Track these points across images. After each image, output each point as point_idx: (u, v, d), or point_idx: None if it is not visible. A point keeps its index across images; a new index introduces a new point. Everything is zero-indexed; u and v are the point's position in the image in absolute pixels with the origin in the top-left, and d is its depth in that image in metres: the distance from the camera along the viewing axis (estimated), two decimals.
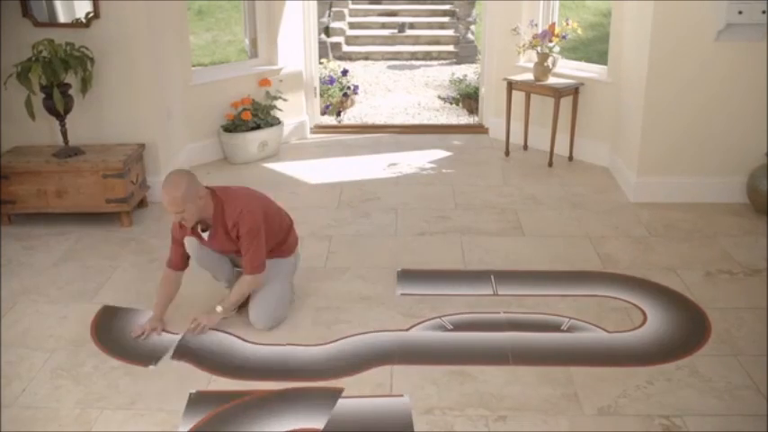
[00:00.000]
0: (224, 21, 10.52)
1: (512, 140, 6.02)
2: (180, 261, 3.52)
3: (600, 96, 5.56)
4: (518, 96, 5.89)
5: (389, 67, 10.51)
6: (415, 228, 4.62)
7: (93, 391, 3.07)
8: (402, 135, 6.64)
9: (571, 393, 3.03)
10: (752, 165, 4.79)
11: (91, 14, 4.68)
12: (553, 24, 5.65)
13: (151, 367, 3.23)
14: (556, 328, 3.50)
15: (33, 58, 4.39)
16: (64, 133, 4.62)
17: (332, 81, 7.60)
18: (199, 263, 3.52)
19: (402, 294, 3.82)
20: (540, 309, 3.66)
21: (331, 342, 3.41)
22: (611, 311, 3.63)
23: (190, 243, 3.45)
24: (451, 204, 4.98)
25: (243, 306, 3.59)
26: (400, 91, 8.92)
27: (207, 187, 3.41)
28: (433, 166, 5.78)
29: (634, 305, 3.69)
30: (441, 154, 6.08)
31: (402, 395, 3.02)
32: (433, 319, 3.59)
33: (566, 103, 5.61)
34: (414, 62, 10.83)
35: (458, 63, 10.65)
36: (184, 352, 3.33)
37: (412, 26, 11.59)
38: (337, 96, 7.61)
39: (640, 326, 3.51)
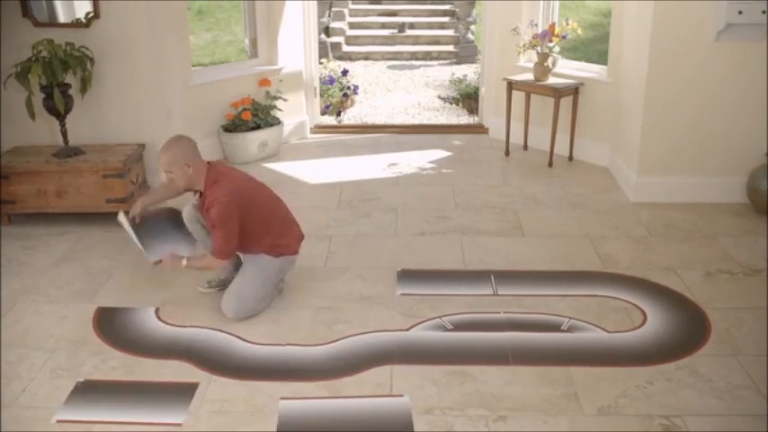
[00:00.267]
0: (224, 21, 10.52)
1: (512, 140, 6.02)
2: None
3: (600, 96, 5.56)
4: (518, 96, 5.89)
5: (389, 67, 10.51)
6: (415, 228, 4.62)
7: None
8: (402, 135, 6.64)
9: (571, 393, 3.03)
10: (752, 165, 4.79)
11: (91, 14, 4.68)
12: (553, 24, 5.65)
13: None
14: (556, 328, 3.50)
15: (33, 59, 4.39)
16: (64, 133, 4.62)
17: (332, 81, 7.60)
18: (186, 221, 3.71)
19: (402, 294, 3.82)
20: (540, 309, 3.66)
21: (331, 342, 3.41)
22: (611, 311, 3.63)
23: (186, 212, 3.70)
24: (451, 204, 4.98)
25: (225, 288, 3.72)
26: (400, 91, 8.92)
27: (208, 162, 3.56)
28: (433, 166, 5.78)
29: (634, 305, 3.69)
30: (441, 154, 6.08)
31: (402, 395, 3.02)
32: (433, 319, 3.59)
33: (566, 103, 5.61)
34: (414, 62, 10.83)
35: (458, 63, 10.65)
36: (183, 350, 3.34)
37: (412, 26, 11.59)
38: (337, 96, 7.61)
39: (640, 326, 3.51)
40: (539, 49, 5.57)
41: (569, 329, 3.49)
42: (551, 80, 5.62)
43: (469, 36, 11.13)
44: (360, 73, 9.75)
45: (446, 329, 3.51)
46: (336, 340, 3.42)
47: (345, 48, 10.99)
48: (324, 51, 9.47)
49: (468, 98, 7.69)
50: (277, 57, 6.11)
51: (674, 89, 4.75)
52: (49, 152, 4.68)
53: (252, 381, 3.14)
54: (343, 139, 6.47)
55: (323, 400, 3.02)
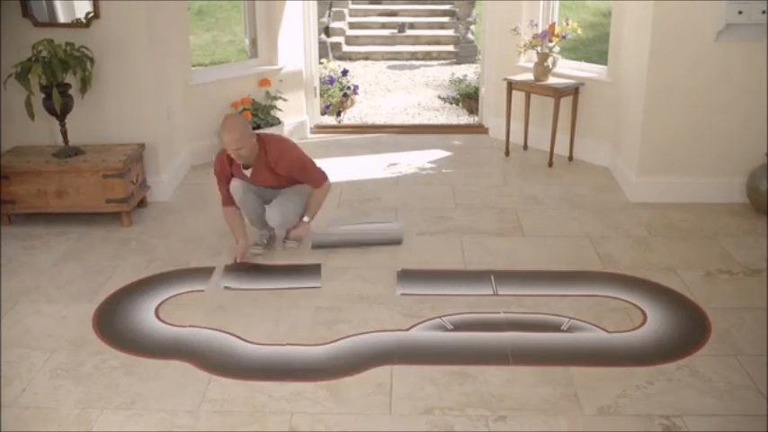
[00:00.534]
0: (224, 21, 10.51)
1: (512, 140, 6.02)
2: (231, 198, 4.09)
3: (600, 96, 5.56)
4: (518, 96, 5.89)
5: (389, 67, 10.51)
6: (415, 228, 4.62)
7: (92, 391, 3.08)
8: (402, 135, 6.64)
9: (571, 393, 3.03)
10: (752, 165, 4.79)
11: (91, 14, 4.68)
12: (553, 24, 5.65)
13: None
14: (556, 328, 3.50)
15: (33, 59, 4.39)
16: (64, 133, 4.62)
17: (332, 81, 7.60)
18: (240, 201, 4.08)
19: (402, 294, 3.82)
20: (540, 309, 3.66)
21: (331, 342, 3.41)
22: (611, 311, 3.63)
23: (235, 186, 4.05)
24: (451, 204, 4.98)
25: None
26: (400, 91, 8.92)
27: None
28: (432, 166, 5.78)
29: (634, 305, 3.69)
30: (441, 154, 6.08)
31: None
32: (433, 319, 3.59)
33: (566, 103, 5.61)
34: (414, 62, 10.83)
35: (458, 63, 10.65)
36: (183, 350, 3.34)
37: (412, 26, 11.59)
38: (337, 96, 7.61)
39: (640, 326, 3.51)
40: (539, 49, 5.57)
41: (569, 329, 3.49)
42: (551, 80, 5.62)
43: (469, 36, 11.13)
44: (360, 73, 9.75)
45: (446, 329, 3.51)
46: (336, 340, 3.42)
47: (345, 48, 11.00)
48: (324, 51, 9.47)
49: (468, 98, 7.69)
50: (277, 57, 6.12)
51: (673, 89, 4.75)
52: (49, 152, 4.68)
53: (252, 381, 3.14)
54: (343, 139, 6.47)
55: None
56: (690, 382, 3.09)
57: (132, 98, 4.85)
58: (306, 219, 4.19)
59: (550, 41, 5.52)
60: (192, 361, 3.27)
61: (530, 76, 5.73)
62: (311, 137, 6.53)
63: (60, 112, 4.51)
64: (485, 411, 2.94)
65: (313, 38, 6.43)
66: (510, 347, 3.35)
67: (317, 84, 6.63)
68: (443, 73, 9.92)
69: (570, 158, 5.78)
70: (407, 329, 3.51)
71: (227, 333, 3.48)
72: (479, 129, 6.69)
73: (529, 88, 5.73)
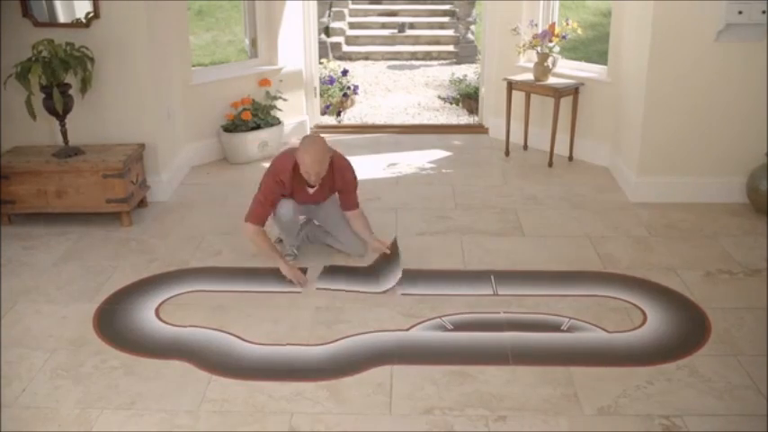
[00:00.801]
0: (224, 21, 10.51)
1: (512, 140, 6.02)
2: (266, 218, 3.99)
3: (600, 96, 5.56)
4: (518, 96, 5.89)
5: (389, 67, 10.50)
6: (415, 228, 4.62)
7: (92, 391, 3.08)
8: (402, 135, 6.64)
9: (571, 393, 3.03)
10: (752, 165, 4.79)
11: (91, 14, 4.68)
12: (553, 24, 5.65)
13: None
14: (556, 328, 3.50)
15: (33, 58, 4.39)
16: (64, 133, 4.62)
17: (332, 81, 7.60)
18: (288, 222, 4.05)
19: (402, 294, 3.82)
20: (540, 309, 3.66)
21: (331, 342, 3.41)
22: (610, 311, 3.63)
23: (286, 209, 3.99)
24: (451, 204, 4.98)
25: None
26: (400, 91, 8.92)
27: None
28: (432, 166, 5.78)
29: (634, 305, 3.69)
30: (441, 154, 6.08)
31: None
32: (433, 319, 3.59)
33: (566, 103, 5.61)
34: (414, 62, 10.83)
35: (458, 63, 10.65)
36: (183, 350, 3.34)
37: (412, 26, 11.59)
38: (337, 96, 7.61)
39: (640, 326, 3.51)
40: (539, 49, 5.57)
41: (569, 329, 3.49)
42: (551, 80, 5.62)
43: (469, 36, 11.13)
44: (360, 73, 9.75)
45: (446, 329, 3.51)
46: (336, 340, 3.42)
47: (345, 48, 11.00)
48: (324, 51, 9.47)
49: (468, 98, 7.69)
50: (277, 57, 6.11)
51: (673, 89, 4.75)
52: (49, 152, 4.68)
53: (252, 381, 3.14)
54: (342, 139, 6.47)
55: None
56: (690, 382, 3.09)
57: (132, 98, 4.85)
58: (371, 239, 4.13)
59: (550, 41, 5.52)
60: (192, 361, 3.27)
61: (530, 76, 5.73)
62: None
63: (61, 112, 4.50)
64: (485, 411, 2.94)
65: (313, 38, 6.43)
66: (510, 347, 3.35)
67: (317, 84, 6.63)
68: (443, 73, 9.92)
69: (570, 158, 5.78)
70: (407, 329, 3.51)
71: (227, 333, 3.48)
72: (479, 129, 6.69)
73: (529, 88, 5.73)
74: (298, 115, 6.39)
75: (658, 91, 4.77)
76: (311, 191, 4.03)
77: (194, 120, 5.66)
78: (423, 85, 9.30)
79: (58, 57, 4.40)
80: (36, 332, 3.52)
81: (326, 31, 10.44)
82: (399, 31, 11.43)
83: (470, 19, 11.30)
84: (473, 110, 7.43)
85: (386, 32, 11.51)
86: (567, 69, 5.77)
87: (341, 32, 11.14)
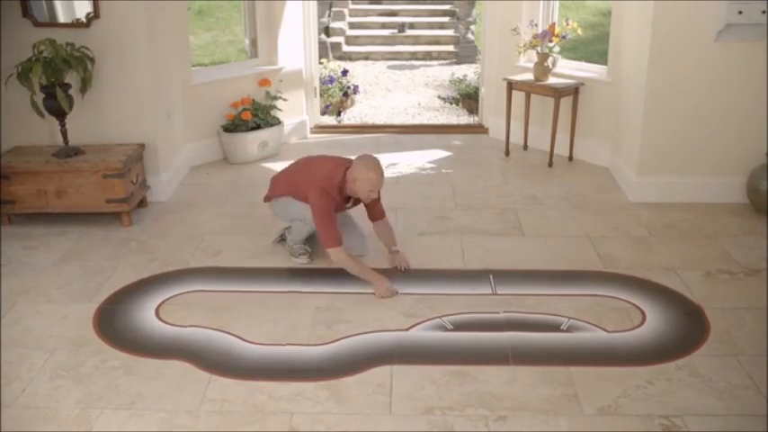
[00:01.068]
0: (224, 21, 10.52)
1: (512, 140, 6.02)
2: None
3: (600, 96, 5.56)
4: (518, 96, 5.89)
5: (389, 67, 10.51)
6: (415, 228, 4.62)
7: (92, 391, 3.08)
8: (402, 135, 6.64)
9: (571, 393, 3.03)
10: (752, 165, 4.78)
11: (91, 14, 4.68)
12: (553, 24, 5.65)
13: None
14: (556, 328, 3.50)
15: (34, 58, 4.39)
16: (64, 133, 4.62)
17: (332, 81, 7.60)
18: (312, 228, 4.01)
19: (402, 294, 3.81)
20: (540, 309, 3.66)
21: (331, 342, 3.41)
22: (610, 311, 3.63)
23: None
24: (451, 204, 4.98)
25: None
26: (400, 91, 8.92)
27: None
28: (432, 166, 5.78)
29: (634, 305, 3.69)
30: (441, 154, 6.08)
31: None
32: (433, 319, 3.59)
33: (566, 103, 5.61)
34: (414, 62, 10.83)
35: (458, 63, 10.65)
36: (183, 350, 3.34)
37: (412, 26, 11.59)
38: (337, 96, 7.61)
39: (640, 326, 3.51)
40: (539, 49, 5.57)
41: (569, 329, 3.49)
42: (551, 80, 5.62)
43: (469, 36, 11.13)
44: (360, 73, 9.75)
45: (446, 329, 3.51)
46: (336, 340, 3.42)
47: (345, 48, 11.00)
48: (324, 51, 9.47)
49: (468, 98, 7.69)
50: (277, 57, 6.11)
51: (673, 89, 4.75)
52: (49, 152, 4.67)
53: (252, 381, 3.14)
54: (343, 139, 6.47)
55: None
56: (690, 382, 3.09)
57: (132, 98, 4.85)
58: (396, 248, 4.15)
59: (550, 41, 5.52)
60: (192, 361, 3.27)
61: (530, 76, 5.73)
62: (311, 137, 6.53)
63: (64, 111, 4.51)
64: (485, 411, 2.94)
65: (313, 38, 6.43)
66: (510, 347, 3.35)
67: (316, 84, 6.63)
68: (443, 73, 9.92)
69: (570, 158, 5.78)
70: (407, 329, 3.51)
71: (227, 333, 3.48)
72: (479, 129, 6.69)
73: (529, 88, 5.73)
74: (298, 115, 6.39)
75: (658, 91, 4.77)
76: (348, 205, 4.10)
77: (194, 120, 5.66)
78: (423, 85, 9.30)
79: (60, 56, 4.40)
80: (36, 332, 3.52)
81: (326, 31, 10.44)
82: (399, 31, 11.44)
83: (470, 19, 11.30)
84: (473, 110, 7.43)
85: (386, 32, 11.51)
86: (567, 69, 5.77)
87: (341, 32, 11.15)
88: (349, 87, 7.84)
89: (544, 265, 4.12)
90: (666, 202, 4.90)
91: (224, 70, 6.11)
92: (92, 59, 4.59)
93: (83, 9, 4.70)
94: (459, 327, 3.52)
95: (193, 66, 5.84)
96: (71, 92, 4.56)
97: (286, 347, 3.38)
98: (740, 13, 4.51)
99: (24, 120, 4.67)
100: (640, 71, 4.84)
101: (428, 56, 11.03)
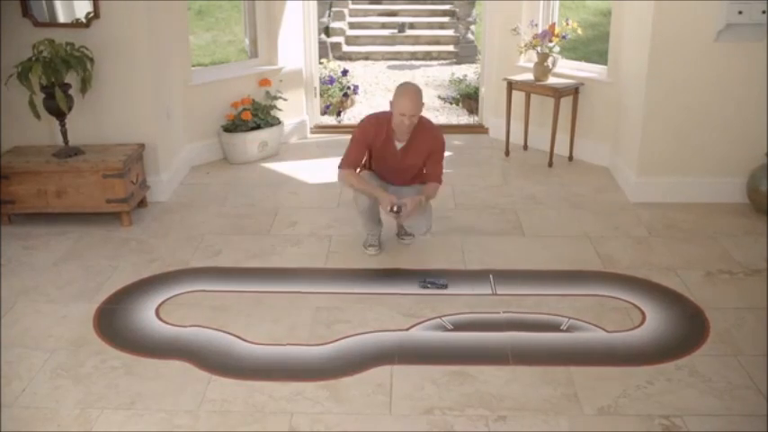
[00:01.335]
0: (224, 21, 10.51)
1: (512, 140, 6.02)
2: (360, 161, 4.06)
3: (600, 96, 5.56)
4: (518, 96, 5.88)
5: (389, 67, 10.50)
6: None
7: (92, 391, 3.08)
8: None
9: (571, 393, 3.03)
10: (752, 165, 4.79)
11: (91, 14, 4.68)
12: (553, 24, 5.65)
13: None
14: (556, 328, 3.50)
15: (34, 58, 4.39)
16: (64, 133, 4.62)
17: (332, 81, 7.60)
18: (368, 208, 4.08)
19: (402, 294, 3.81)
20: (540, 309, 3.66)
21: (331, 342, 3.41)
22: (610, 311, 3.63)
23: (370, 176, 4.09)
24: (451, 204, 4.98)
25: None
26: None
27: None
28: None
29: (634, 305, 3.69)
30: None
31: None
32: (433, 319, 3.59)
33: (566, 103, 5.61)
34: (414, 62, 10.82)
35: (458, 63, 10.65)
36: (183, 350, 3.34)
37: (412, 26, 11.59)
38: (337, 96, 7.61)
39: (640, 326, 3.51)
40: (539, 49, 5.57)
41: (569, 329, 3.49)
42: (551, 80, 5.62)
43: (469, 36, 11.13)
44: (360, 73, 9.75)
45: (446, 329, 3.51)
46: (336, 340, 3.42)
47: (345, 48, 10.99)
48: (324, 51, 9.47)
49: (468, 98, 7.68)
50: (277, 57, 6.11)
51: (673, 89, 4.75)
52: (49, 152, 4.67)
53: (252, 381, 3.14)
54: (343, 139, 6.41)
55: None
56: (690, 382, 3.09)
57: (132, 98, 4.85)
58: (422, 196, 4.06)
59: (550, 41, 5.52)
60: (192, 361, 3.27)
61: (530, 76, 5.73)
62: (311, 137, 6.53)
63: (64, 111, 4.50)
64: (485, 411, 2.94)
65: (313, 38, 6.43)
66: (510, 347, 3.35)
67: (316, 84, 6.63)
68: (443, 73, 9.92)
69: (570, 158, 5.78)
70: (407, 329, 3.51)
71: (227, 333, 3.48)
72: (479, 129, 6.69)
73: (529, 88, 5.73)
74: (298, 115, 6.39)
75: (658, 91, 4.77)
76: (399, 146, 4.03)
77: (194, 120, 5.65)
78: (423, 85, 9.27)
79: (60, 56, 4.40)
80: (36, 332, 3.52)
81: (326, 31, 10.44)
82: (399, 31, 11.43)
83: (470, 19, 11.29)
84: (473, 110, 7.43)
85: (386, 32, 11.51)
86: (567, 69, 5.77)
87: (341, 32, 11.14)
88: (349, 87, 7.84)
89: (544, 265, 4.12)
90: (666, 202, 4.90)
91: (224, 70, 6.11)
92: (91, 59, 4.59)
93: (83, 9, 4.70)
94: (460, 327, 3.52)
95: (193, 66, 5.84)
96: (71, 92, 4.56)
97: (286, 347, 3.38)
98: (740, 13, 4.51)
99: (24, 120, 4.67)
100: (640, 71, 4.84)
101: (428, 56, 11.02)
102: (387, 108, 4.08)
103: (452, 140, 6.42)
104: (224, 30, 10.26)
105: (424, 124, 4.05)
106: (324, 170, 5.65)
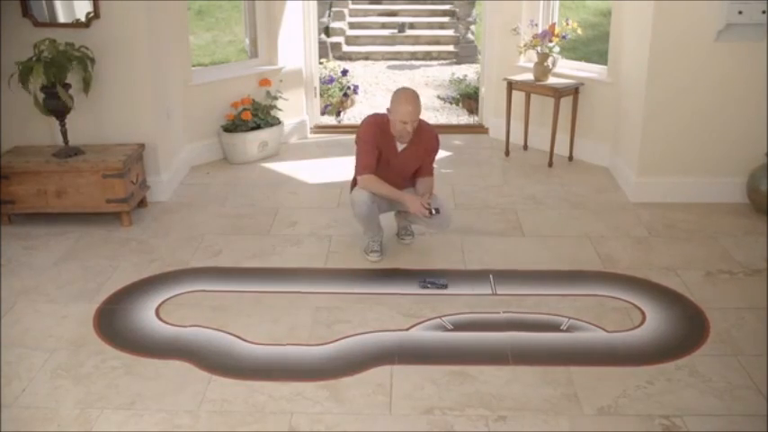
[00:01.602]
0: (224, 21, 10.51)
1: (512, 140, 6.02)
2: (374, 164, 3.98)
3: (600, 96, 5.56)
4: (518, 96, 5.89)
5: (389, 67, 10.50)
6: (416, 228, 4.61)
7: (92, 391, 3.08)
8: None
9: (571, 393, 3.03)
10: (752, 165, 4.79)
11: (91, 14, 4.68)
12: (553, 24, 5.65)
13: None
14: (556, 328, 3.50)
15: (35, 58, 4.39)
16: (64, 133, 4.61)
17: (332, 81, 7.60)
18: (367, 212, 4.01)
19: (402, 294, 3.81)
20: (540, 309, 3.66)
21: (331, 342, 3.41)
22: (610, 311, 3.63)
23: (363, 197, 3.99)
24: (451, 204, 4.98)
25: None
26: None
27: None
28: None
29: (634, 305, 3.69)
30: (440, 154, 6.00)
31: None
32: (433, 319, 3.59)
33: (566, 103, 5.61)
34: (414, 62, 10.82)
35: (458, 63, 10.65)
36: (183, 350, 3.34)
37: (412, 26, 11.59)
38: (337, 96, 7.61)
39: (640, 326, 3.51)
40: (539, 49, 5.57)
41: (569, 329, 3.49)
42: (551, 80, 5.62)
43: (469, 36, 11.13)
44: (360, 73, 9.74)
45: (446, 329, 3.51)
46: (336, 340, 3.42)
47: (345, 48, 10.99)
48: (324, 51, 9.47)
49: (468, 98, 7.68)
50: (277, 56, 6.11)
51: (674, 89, 4.75)
52: (49, 152, 4.67)
53: (252, 381, 3.14)
54: (343, 139, 6.46)
55: None
56: (690, 382, 3.09)
57: (132, 98, 4.85)
58: (427, 195, 4.09)
59: (550, 41, 5.52)
60: (192, 361, 3.27)
61: (530, 76, 5.73)
62: (311, 137, 6.53)
63: (64, 110, 4.50)
64: (485, 411, 2.94)
65: (313, 38, 6.43)
66: (510, 347, 3.35)
67: (316, 84, 6.63)
68: (443, 73, 9.92)
69: (570, 158, 5.78)
70: (407, 329, 3.51)
71: (227, 333, 3.48)
72: (479, 129, 6.69)
73: (529, 88, 5.73)
74: (298, 115, 6.39)
75: (658, 91, 4.77)
76: (400, 147, 4.06)
77: (194, 120, 5.66)
78: (423, 85, 9.30)
79: (60, 56, 4.40)
80: (36, 332, 3.52)
81: (326, 31, 10.44)
82: (399, 31, 11.43)
83: (470, 19, 11.29)
84: (473, 110, 7.43)
85: (386, 32, 11.51)
86: (567, 69, 5.77)
87: (341, 32, 11.14)
88: (349, 87, 7.84)
89: (544, 265, 4.12)
90: (666, 202, 4.90)
91: (224, 70, 6.11)
92: (92, 59, 4.59)
93: (83, 9, 4.70)
94: (459, 327, 3.52)
95: (193, 66, 5.84)
96: (71, 92, 4.55)
97: (286, 347, 3.38)
98: (740, 13, 4.51)
99: (24, 120, 4.67)
100: (640, 71, 4.84)
101: (428, 56, 11.02)
102: (386, 108, 4.07)
103: (452, 140, 6.42)
104: (224, 30, 10.26)
105: (421, 125, 4.08)
106: (324, 170, 5.66)
